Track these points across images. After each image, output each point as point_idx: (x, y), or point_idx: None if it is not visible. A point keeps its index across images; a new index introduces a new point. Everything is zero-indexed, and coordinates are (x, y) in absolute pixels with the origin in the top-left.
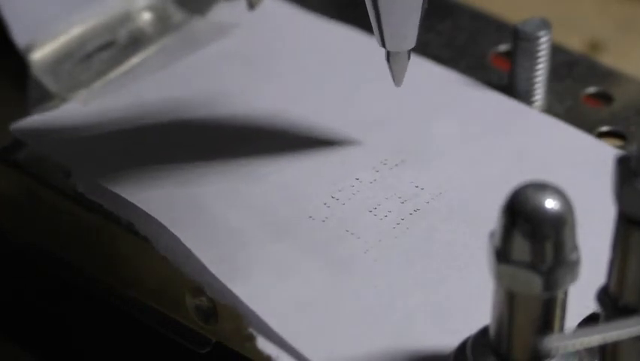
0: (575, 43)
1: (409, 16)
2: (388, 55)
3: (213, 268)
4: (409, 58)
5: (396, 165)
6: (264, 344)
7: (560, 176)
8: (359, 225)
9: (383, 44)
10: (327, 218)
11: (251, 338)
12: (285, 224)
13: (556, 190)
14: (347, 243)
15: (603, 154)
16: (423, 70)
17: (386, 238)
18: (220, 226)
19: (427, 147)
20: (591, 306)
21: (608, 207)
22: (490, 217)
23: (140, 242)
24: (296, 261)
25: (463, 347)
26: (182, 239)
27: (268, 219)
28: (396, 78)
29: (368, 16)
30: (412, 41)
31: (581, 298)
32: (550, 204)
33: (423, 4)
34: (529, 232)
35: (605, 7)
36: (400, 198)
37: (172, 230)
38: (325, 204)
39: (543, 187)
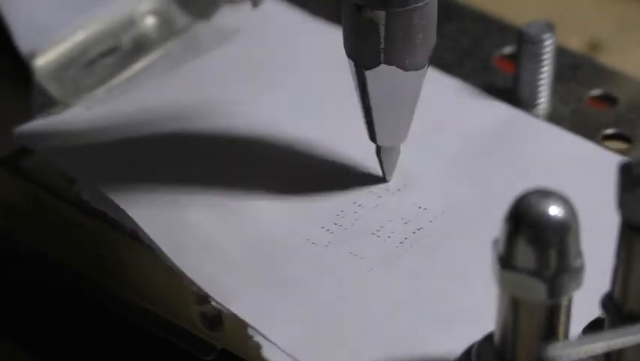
0: (575, 43)
1: (403, 113)
2: (379, 149)
3: (215, 293)
4: (399, 151)
5: (399, 189)
6: (269, 352)
7: (564, 184)
8: (362, 246)
9: (373, 139)
10: (329, 243)
11: (256, 346)
12: (286, 249)
13: (560, 197)
14: (350, 263)
15: (607, 162)
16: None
17: (389, 257)
18: (216, 248)
19: (430, 167)
20: (595, 312)
21: (612, 214)
22: (494, 231)
23: (145, 249)
24: (298, 281)
25: (467, 353)
26: (176, 262)
27: (269, 243)
28: (387, 172)
29: None
30: (404, 136)
31: (585, 304)
32: (555, 210)
33: (416, 100)
34: (534, 239)
35: (605, 7)
36: (402, 219)
37: (166, 252)
38: (328, 230)
39: (547, 194)
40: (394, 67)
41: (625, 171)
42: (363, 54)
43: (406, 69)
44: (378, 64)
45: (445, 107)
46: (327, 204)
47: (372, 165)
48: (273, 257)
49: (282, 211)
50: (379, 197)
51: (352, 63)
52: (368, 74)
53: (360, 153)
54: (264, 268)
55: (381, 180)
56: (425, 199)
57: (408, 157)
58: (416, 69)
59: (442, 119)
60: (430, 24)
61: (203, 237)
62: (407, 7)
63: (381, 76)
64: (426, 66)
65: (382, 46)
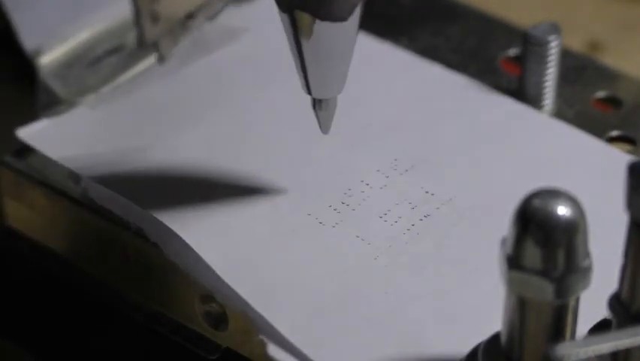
0: (575, 43)
1: (337, 65)
2: (314, 102)
3: (223, 274)
4: (335, 104)
5: (407, 170)
6: (274, 351)
7: (571, 181)
8: (369, 231)
9: (309, 91)
10: (337, 224)
11: (261, 345)
12: (295, 229)
13: (568, 197)
14: (357, 249)
15: (614, 159)
16: (432, 74)
17: (396, 244)
18: (229, 232)
19: (437, 152)
20: (602, 312)
21: (620, 212)
22: (500, 223)
23: (150, 247)
24: (307, 267)
25: (474, 353)
26: (192, 245)
27: (278, 224)
28: (323, 126)
29: (375, 20)
30: (339, 88)
31: (592, 304)
32: (563, 211)
33: (349, 54)
34: (541, 239)
35: (605, 7)
36: (410, 203)
37: (181, 236)
38: (335, 209)
39: (555, 194)
40: (307, 14)
41: (634, 171)
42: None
43: (321, 18)
44: (291, 9)
45: (453, 102)
46: (334, 183)
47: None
48: (279, 237)
49: (291, 189)
50: (387, 177)
51: (286, 17)
52: (299, 25)
53: (367, 137)
54: (270, 249)
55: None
56: (433, 184)
57: (415, 140)
58: (332, 20)
59: (451, 111)
60: None
61: (207, 233)
62: None
63: (311, 27)
64: (350, 20)
65: None
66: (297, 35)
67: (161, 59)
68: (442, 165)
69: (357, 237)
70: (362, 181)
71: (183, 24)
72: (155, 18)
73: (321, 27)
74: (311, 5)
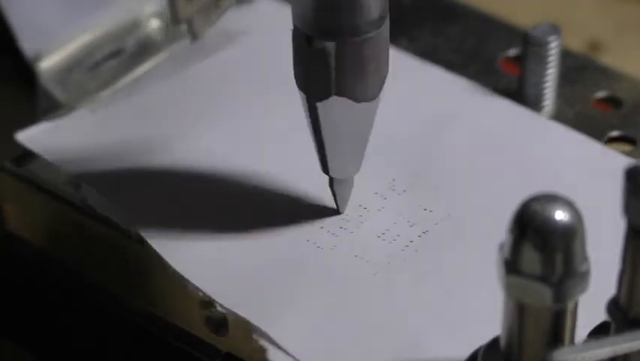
0: (575, 43)
1: (355, 145)
2: (332, 180)
3: (220, 298)
4: (352, 184)
5: (404, 190)
6: (274, 356)
7: (570, 185)
8: (368, 249)
9: (326, 171)
10: (335, 246)
11: (261, 350)
12: (292, 253)
13: (566, 202)
14: (356, 267)
15: (613, 162)
16: (431, 77)
17: (395, 261)
18: (225, 255)
19: (435, 167)
20: (601, 317)
21: (619, 216)
22: (500, 233)
23: (150, 254)
24: (305, 286)
25: (474, 358)
26: (182, 272)
27: (275, 248)
28: (340, 205)
29: None
30: (357, 168)
31: (591, 308)
32: (560, 215)
33: (369, 132)
34: (539, 244)
35: (605, 7)
36: (408, 222)
37: (171, 262)
38: (333, 234)
39: (553, 199)
40: (345, 98)
41: (631, 175)
42: (314, 86)
43: (357, 100)
44: (328, 96)
45: (451, 106)
46: (331, 208)
47: (377, 166)
48: (278, 261)
49: (288, 216)
50: (385, 199)
51: (303, 95)
52: (319, 105)
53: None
54: (269, 273)
55: (385, 181)
56: (431, 201)
57: (413, 155)
58: (367, 100)
59: (449, 118)
60: (381, 54)
61: (208, 242)
62: (357, 38)
63: (333, 108)
64: (378, 97)
65: (333, 77)
66: (316, 116)
67: (195, 37)
68: (440, 180)
69: (356, 256)
70: (360, 205)
71: (216, 3)
72: None
73: (350, 108)
74: (348, 89)
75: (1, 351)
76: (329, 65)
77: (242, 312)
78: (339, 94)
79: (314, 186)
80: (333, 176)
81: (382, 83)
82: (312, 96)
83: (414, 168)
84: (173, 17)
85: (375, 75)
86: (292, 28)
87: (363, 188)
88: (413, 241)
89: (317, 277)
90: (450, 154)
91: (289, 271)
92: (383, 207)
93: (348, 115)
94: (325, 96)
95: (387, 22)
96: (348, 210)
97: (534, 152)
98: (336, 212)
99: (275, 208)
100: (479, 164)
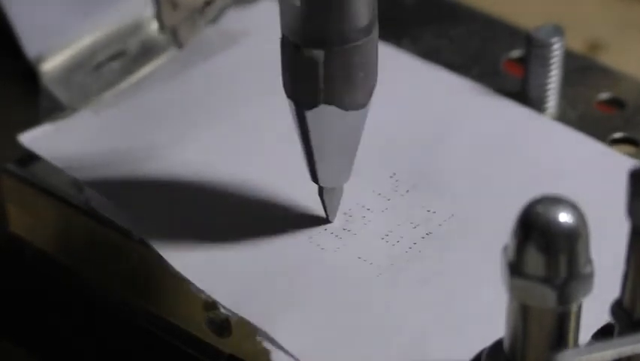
0: (576, 43)
1: (344, 154)
2: (321, 189)
3: (224, 300)
4: (342, 192)
5: (408, 191)
6: (278, 358)
7: (574, 186)
8: (371, 251)
9: (315, 180)
10: (338, 248)
11: (265, 352)
12: (295, 255)
13: (570, 204)
14: (359, 268)
15: (617, 163)
16: (434, 78)
17: (398, 262)
18: (228, 257)
19: (439, 167)
20: (604, 319)
21: (623, 217)
22: (503, 234)
23: (153, 256)
24: (308, 288)
25: (477, 359)
26: (185, 274)
27: (279, 250)
28: (330, 213)
29: (381, 24)
30: (346, 177)
31: (594, 310)
32: (564, 218)
33: (358, 140)
34: (543, 246)
35: (605, 7)
36: (411, 223)
37: (173, 264)
38: (337, 236)
39: (557, 201)
40: (334, 107)
41: (635, 177)
42: (303, 94)
43: (346, 109)
44: (317, 104)
45: (455, 107)
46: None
47: (381, 166)
48: (282, 263)
49: (292, 217)
50: (388, 200)
51: (292, 104)
52: (308, 114)
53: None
54: (273, 275)
55: (389, 182)
56: (434, 202)
57: (417, 156)
58: (357, 109)
59: (453, 119)
60: (370, 62)
61: (211, 244)
62: (346, 46)
63: (322, 116)
64: (367, 106)
65: (322, 86)
66: (305, 125)
67: (180, 45)
68: (443, 181)
69: (359, 258)
70: (363, 206)
71: (202, 11)
72: (174, 4)
73: (339, 117)
74: (337, 97)
75: (1, 351)
76: (317, 74)
77: (245, 314)
78: (328, 102)
79: (316, 197)
80: (322, 185)
81: (371, 91)
82: (300, 105)
83: (417, 169)
84: (160, 25)
85: (365, 84)
86: (280, 37)
87: (366, 189)
88: (417, 243)
89: (320, 279)
90: (453, 155)
91: (292, 273)
92: (386, 209)
93: (337, 124)
94: (314, 105)
95: (376, 30)
96: (352, 210)
97: (537, 153)
98: (326, 221)
99: (278, 210)
100: (482, 165)
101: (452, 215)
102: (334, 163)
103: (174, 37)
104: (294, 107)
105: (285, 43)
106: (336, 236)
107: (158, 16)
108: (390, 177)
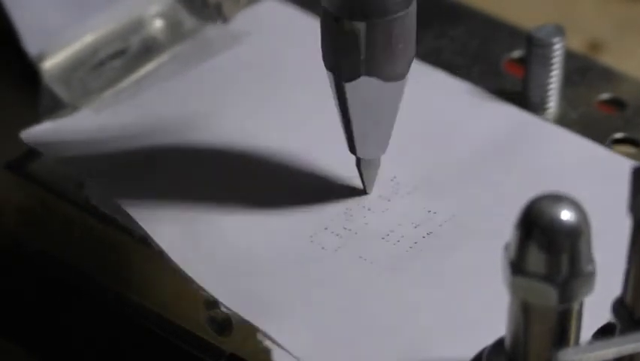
0: (576, 44)
1: (383, 125)
2: (359, 160)
3: (224, 298)
4: (379, 164)
5: (408, 192)
6: (278, 357)
7: (575, 189)
8: (372, 251)
9: (353, 151)
10: (339, 248)
11: (266, 351)
12: (296, 254)
13: (571, 202)
14: (360, 268)
15: (617, 166)
16: (435, 81)
17: (399, 262)
18: (229, 255)
19: (439, 169)
20: (606, 317)
21: (623, 218)
22: (504, 234)
23: (154, 254)
24: (309, 287)
25: (478, 358)
26: (184, 268)
27: (279, 249)
28: (367, 185)
29: None
30: (384, 148)
31: (596, 309)
32: (566, 215)
33: (397, 111)
34: (545, 244)
35: (605, 7)
36: (412, 223)
37: (175, 261)
38: (338, 235)
39: (558, 199)
40: (374, 78)
41: (637, 174)
42: (344, 66)
43: (386, 80)
44: (358, 76)
45: (456, 110)
46: (335, 209)
47: (382, 169)
48: (283, 262)
49: (292, 216)
50: (389, 200)
51: (332, 75)
52: (347, 86)
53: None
54: (273, 273)
55: (390, 184)
56: (435, 203)
57: (417, 158)
58: (396, 80)
59: (453, 121)
60: (409, 33)
61: (213, 242)
62: (387, 18)
63: (361, 87)
64: (406, 76)
65: (363, 57)
66: (345, 96)
67: (224, 20)
68: (444, 183)
69: (360, 257)
70: (364, 207)
71: None
72: None
73: (378, 88)
74: (378, 69)
75: (1, 351)
76: (359, 46)
77: (246, 313)
78: (369, 74)
79: (317, 196)
80: (360, 156)
81: (410, 62)
82: (341, 76)
83: (418, 171)
84: (203, 2)
85: (404, 54)
86: (322, 9)
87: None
88: (417, 242)
89: (321, 278)
90: (454, 157)
91: (293, 272)
92: (387, 209)
93: (376, 95)
94: (355, 76)
95: (414, 2)
96: (353, 211)
97: (537, 156)
98: (363, 192)
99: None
100: (483, 168)
101: (453, 215)
102: (372, 134)
103: (218, 12)
104: (333, 79)
105: (325, 16)
106: (337, 235)
107: None
108: (391, 180)
